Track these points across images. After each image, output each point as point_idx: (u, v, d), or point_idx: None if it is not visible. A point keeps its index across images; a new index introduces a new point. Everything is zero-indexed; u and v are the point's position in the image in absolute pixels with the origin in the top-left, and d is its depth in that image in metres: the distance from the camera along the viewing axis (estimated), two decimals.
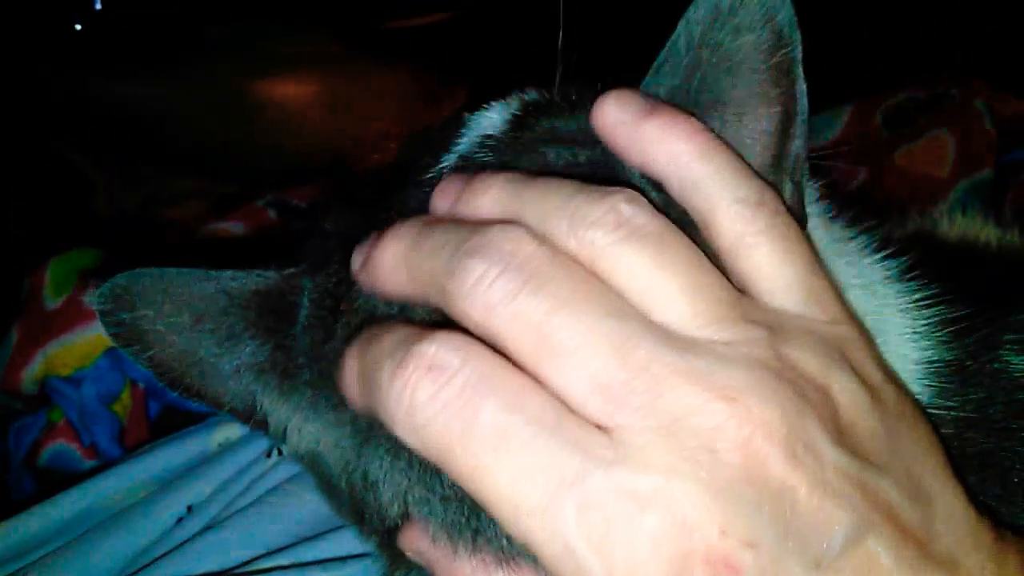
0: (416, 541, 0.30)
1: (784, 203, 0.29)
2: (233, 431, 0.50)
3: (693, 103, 0.31)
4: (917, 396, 0.32)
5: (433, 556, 0.30)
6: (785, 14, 0.30)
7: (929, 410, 0.32)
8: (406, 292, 0.29)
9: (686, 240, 0.27)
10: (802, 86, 0.31)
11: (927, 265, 0.35)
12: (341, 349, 0.30)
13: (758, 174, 0.29)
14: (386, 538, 0.32)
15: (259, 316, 0.35)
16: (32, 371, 0.58)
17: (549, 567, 0.24)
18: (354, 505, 0.34)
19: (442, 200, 0.31)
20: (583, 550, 0.23)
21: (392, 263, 0.29)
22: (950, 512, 0.27)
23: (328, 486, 0.36)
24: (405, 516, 0.31)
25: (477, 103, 0.38)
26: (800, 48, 0.30)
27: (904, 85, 0.85)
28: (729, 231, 0.28)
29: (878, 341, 0.30)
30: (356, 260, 0.31)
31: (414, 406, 0.25)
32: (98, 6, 1.22)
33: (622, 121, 0.30)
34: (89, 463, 0.60)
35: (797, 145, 0.32)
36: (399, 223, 0.29)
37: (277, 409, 0.35)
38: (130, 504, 0.49)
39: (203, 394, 0.36)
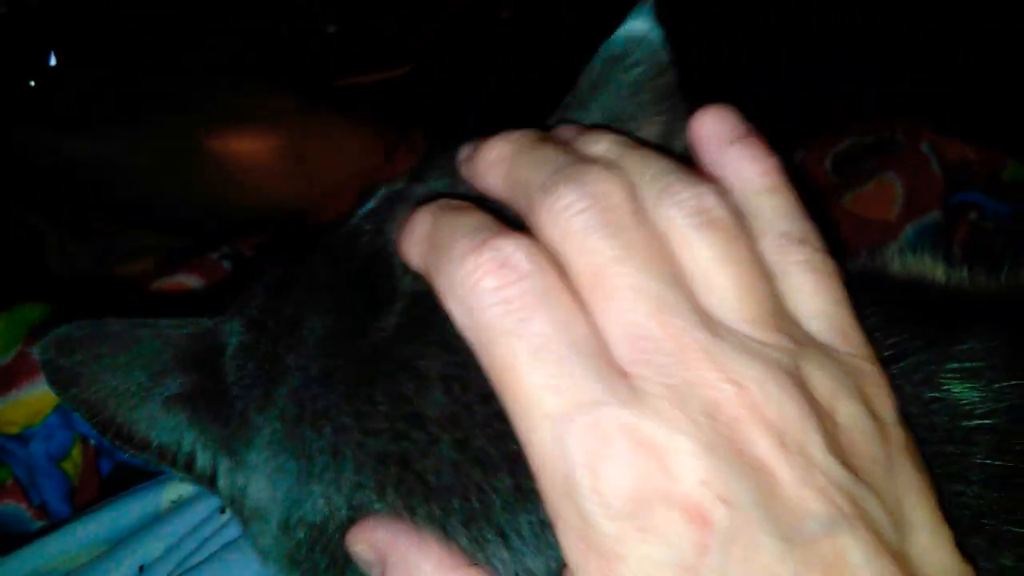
0: (370, 534, 0.31)
1: (803, 217, 0.32)
2: (185, 488, 0.49)
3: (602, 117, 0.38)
4: None
5: (391, 547, 0.30)
6: (663, 53, 0.38)
7: None
8: (498, 190, 0.32)
9: (751, 244, 0.30)
10: (682, 103, 0.38)
11: (867, 297, 0.35)
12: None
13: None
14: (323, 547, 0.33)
15: (190, 351, 0.37)
16: None
17: (538, 469, 0.27)
18: (287, 523, 0.34)
19: (563, 133, 0.35)
20: (577, 463, 0.26)
21: (497, 159, 0.32)
22: (931, 547, 0.28)
23: (255, 516, 0.36)
24: (355, 513, 0.32)
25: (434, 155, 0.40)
26: (675, 75, 0.38)
27: (850, 130, 0.87)
28: (768, 258, 0.31)
29: None
30: (464, 151, 0.35)
31: (478, 290, 0.28)
32: (52, 62, 1.22)
33: (719, 134, 0.33)
34: (39, 524, 0.58)
35: (681, 146, 0.37)
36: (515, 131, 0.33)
37: (204, 437, 0.37)
38: (80, 565, 0.48)
39: (132, 435, 0.37)
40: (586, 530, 0.26)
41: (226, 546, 0.44)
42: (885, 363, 0.31)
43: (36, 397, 0.55)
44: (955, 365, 0.35)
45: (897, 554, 0.26)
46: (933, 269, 0.46)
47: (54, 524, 0.53)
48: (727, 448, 0.26)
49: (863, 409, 0.28)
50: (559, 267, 0.28)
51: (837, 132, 0.87)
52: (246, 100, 1.45)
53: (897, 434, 0.29)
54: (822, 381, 0.28)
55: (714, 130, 0.32)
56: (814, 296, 0.30)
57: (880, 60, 1.24)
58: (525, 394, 0.27)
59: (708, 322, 0.28)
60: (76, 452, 0.57)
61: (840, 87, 1.22)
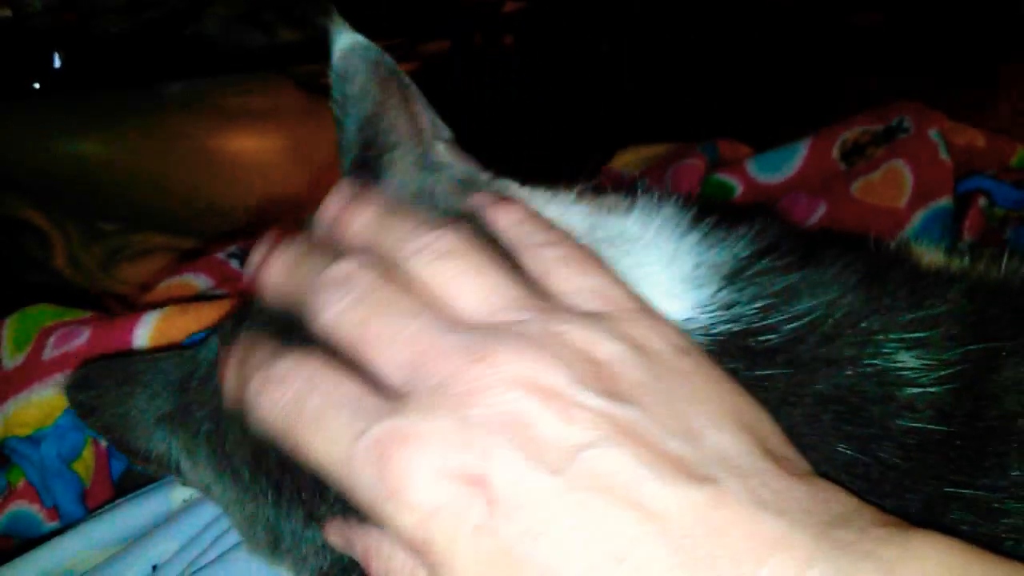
0: (338, 534, 0.36)
1: (553, 230, 0.39)
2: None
3: (357, 125, 0.43)
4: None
5: (358, 541, 0.35)
6: (371, 53, 0.42)
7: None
8: (280, 298, 0.38)
9: (487, 256, 0.36)
10: (405, 79, 0.43)
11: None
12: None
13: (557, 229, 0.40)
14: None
15: (174, 376, 0.44)
16: None
17: (366, 504, 0.31)
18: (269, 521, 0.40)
19: (327, 211, 0.40)
20: (372, 478, 0.30)
21: (273, 276, 0.39)
22: (728, 444, 0.30)
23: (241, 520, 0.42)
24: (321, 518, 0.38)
25: None
26: (390, 61, 0.43)
27: (858, 118, 0.86)
28: (529, 266, 0.37)
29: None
30: (251, 261, 0.41)
31: (262, 404, 0.34)
32: (57, 64, 1.22)
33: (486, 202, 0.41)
34: (51, 525, 0.58)
35: (428, 118, 0.44)
36: (286, 243, 0.39)
37: (183, 453, 0.44)
38: (94, 566, 0.48)
39: (136, 449, 0.45)
40: (395, 528, 0.30)
41: (237, 545, 0.45)
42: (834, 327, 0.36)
43: (47, 399, 0.55)
44: (902, 335, 0.37)
45: (676, 457, 0.29)
46: (933, 256, 0.46)
47: (66, 525, 0.53)
48: (483, 414, 0.30)
49: (624, 346, 0.32)
50: (330, 351, 0.34)
51: (845, 119, 0.87)
52: (250, 100, 1.45)
53: (673, 359, 0.33)
54: (577, 332, 0.32)
55: (482, 200, 0.40)
56: (570, 279, 0.36)
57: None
58: (320, 459, 0.32)
59: (456, 326, 0.33)
60: (87, 453, 0.57)
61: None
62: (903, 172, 0.77)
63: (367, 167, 0.42)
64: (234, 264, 0.76)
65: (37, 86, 1.08)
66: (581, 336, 0.32)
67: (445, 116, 0.46)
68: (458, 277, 0.35)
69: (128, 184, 1.37)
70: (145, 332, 0.55)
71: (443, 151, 0.44)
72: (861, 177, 0.79)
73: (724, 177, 0.88)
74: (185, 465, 0.44)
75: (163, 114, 1.37)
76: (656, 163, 0.95)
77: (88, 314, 0.61)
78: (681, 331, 0.36)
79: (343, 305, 0.34)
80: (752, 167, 0.88)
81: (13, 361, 0.58)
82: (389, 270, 0.35)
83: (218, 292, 0.67)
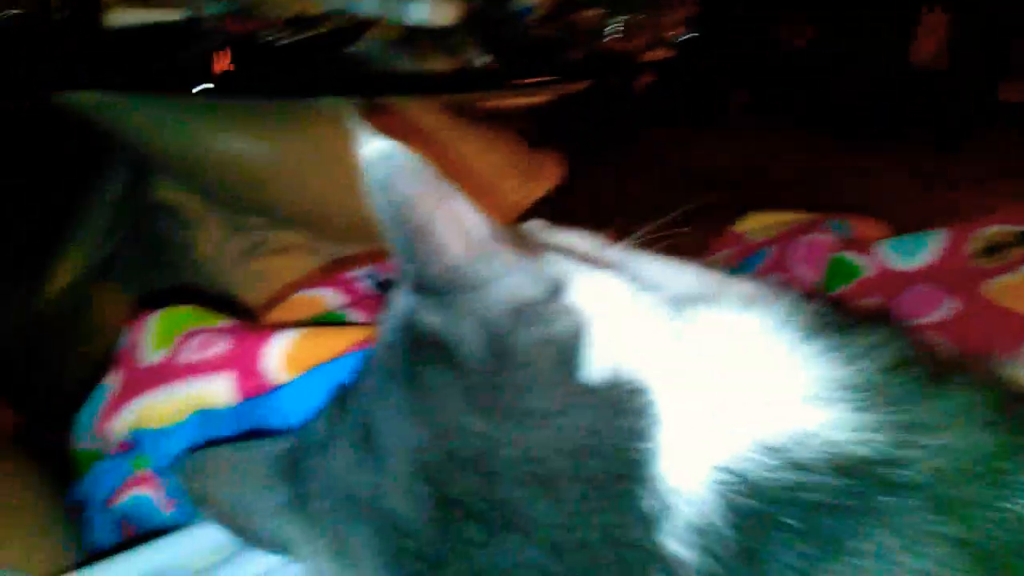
0: None
1: None
2: None
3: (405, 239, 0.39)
4: None
5: None
6: (403, 158, 0.38)
7: None
8: None
9: None
10: (441, 180, 0.39)
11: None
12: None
13: None
14: None
15: (285, 466, 0.45)
16: (124, 421, 0.61)
17: None
18: None
19: None
20: None
21: None
22: None
23: None
24: None
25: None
26: (422, 163, 0.39)
27: (996, 215, 0.84)
28: None
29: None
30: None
31: None
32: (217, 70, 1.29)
33: None
34: (168, 514, 0.62)
35: (473, 218, 0.40)
36: None
37: (301, 545, 0.44)
38: (207, 565, 0.51)
39: (254, 536, 0.47)
40: None
41: None
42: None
43: (180, 399, 0.59)
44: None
45: None
46: None
47: (181, 523, 0.58)
48: None
49: None
50: None
51: (982, 216, 0.85)
52: (394, 119, 1.51)
53: None
54: None
55: None
56: None
57: None
58: None
59: None
60: None
61: None
62: None
63: (432, 287, 0.40)
64: (365, 285, 0.80)
65: (205, 87, 1.15)
66: None
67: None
68: None
69: (273, 184, 1.44)
70: (275, 353, 0.59)
71: (501, 250, 0.41)
72: (996, 278, 0.77)
73: (853, 257, 0.87)
74: (303, 552, 0.45)
75: (314, 124, 1.43)
76: (782, 232, 0.94)
77: (227, 321, 0.65)
78: None
79: None
80: (885, 249, 0.86)
81: (154, 357, 0.63)
82: None
83: (343, 315, 0.70)
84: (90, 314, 1.59)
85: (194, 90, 1.15)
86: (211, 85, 1.14)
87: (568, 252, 0.60)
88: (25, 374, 1.70)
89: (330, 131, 1.44)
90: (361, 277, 0.80)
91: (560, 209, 2.44)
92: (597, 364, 0.38)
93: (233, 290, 1.56)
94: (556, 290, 0.41)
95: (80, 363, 1.60)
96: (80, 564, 0.53)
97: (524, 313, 0.39)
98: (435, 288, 0.40)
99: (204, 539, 0.53)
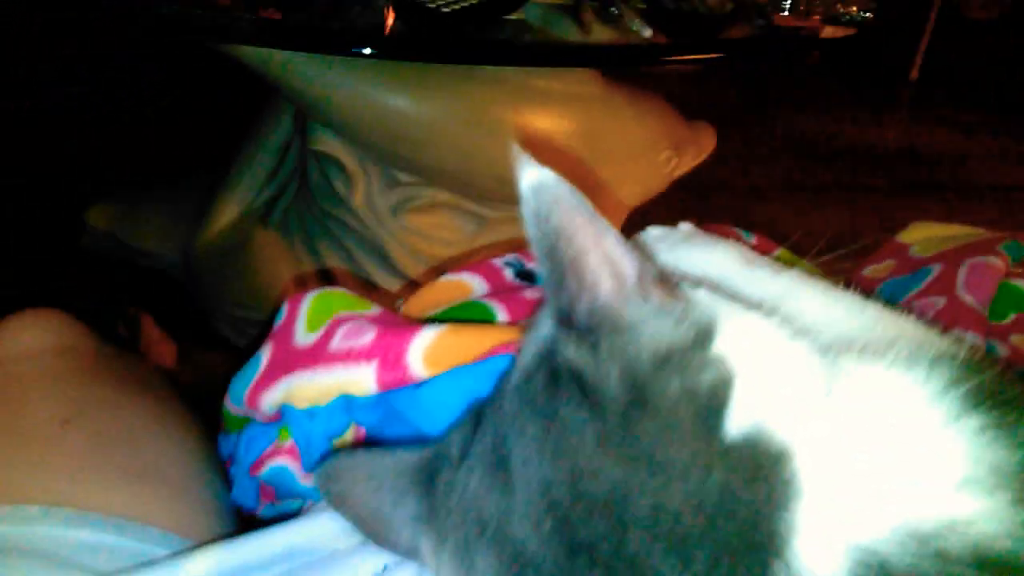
0: None
1: None
2: None
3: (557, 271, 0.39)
4: None
5: None
6: (562, 189, 0.38)
7: None
8: None
9: None
10: (597, 216, 0.39)
11: None
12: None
13: None
14: None
15: (420, 477, 0.47)
16: (273, 396, 0.64)
17: None
18: None
19: None
20: None
21: None
22: None
23: None
24: None
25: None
26: (580, 198, 0.38)
27: None
28: None
29: None
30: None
31: None
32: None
33: None
34: (305, 486, 0.66)
35: (627, 258, 0.40)
36: None
37: (430, 555, 0.46)
38: (336, 550, 0.54)
39: (388, 543, 0.49)
40: None
41: None
42: None
43: (326, 383, 0.62)
44: None
45: None
46: None
47: (314, 508, 0.61)
48: None
49: None
50: None
51: None
52: (553, 83, 1.50)
53: None
54: None
55: None
56: None
57: None
58: None
59: None
60: (348, 435, 0.64)
61: None
62: None
63: (578, 324, 0.40)
64: (508, 273, 0.81)
65: (368, 51, 1.17)
66: None
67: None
68: None
69: (429, 142, 1.47)
70: (417, 348, 0.60)
71: (650, 293, 0.41)
72: None
73: None
74: (432, 562, 0.46)
75: (472, 84, 1.45)
76: (949, 250, 0.89)
77: (375, 309, 0.67)
78: None
79: None
80: None
81: (307, 339, 0.66)
82: None
83: (486, 305, 0.71)
84: (250, 255, 1.67)
85: (361, 51, 1.17)
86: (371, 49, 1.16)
87: (717, 281, 0.59)
88: (186, 305, 1.81)
89: (487, 95, 1.46)
90: (504, 266, 0.81)
91: (708, 184, 2.40)
92: (740, 420, 0.37)
93: (383, 242, 1.61)
94: (703, 337, 0.40)
95: (236, 301, 1.70)
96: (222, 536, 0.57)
97: (669, 361, 0.38)
98: (581, 325, 0.39)
99: (333, 522, 0.56)
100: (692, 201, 2.36)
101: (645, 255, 0.45)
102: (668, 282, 0.43)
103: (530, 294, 0.74)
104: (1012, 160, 3.15)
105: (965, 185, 2.99)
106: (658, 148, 1.68)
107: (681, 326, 0.40)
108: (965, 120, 3.47)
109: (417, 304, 0.76)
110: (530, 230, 0.38)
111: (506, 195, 1.57)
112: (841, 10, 1.33)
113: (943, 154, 3.17)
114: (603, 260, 0.39)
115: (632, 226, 1.79)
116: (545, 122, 1.53)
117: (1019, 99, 3.49)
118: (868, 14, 1.33)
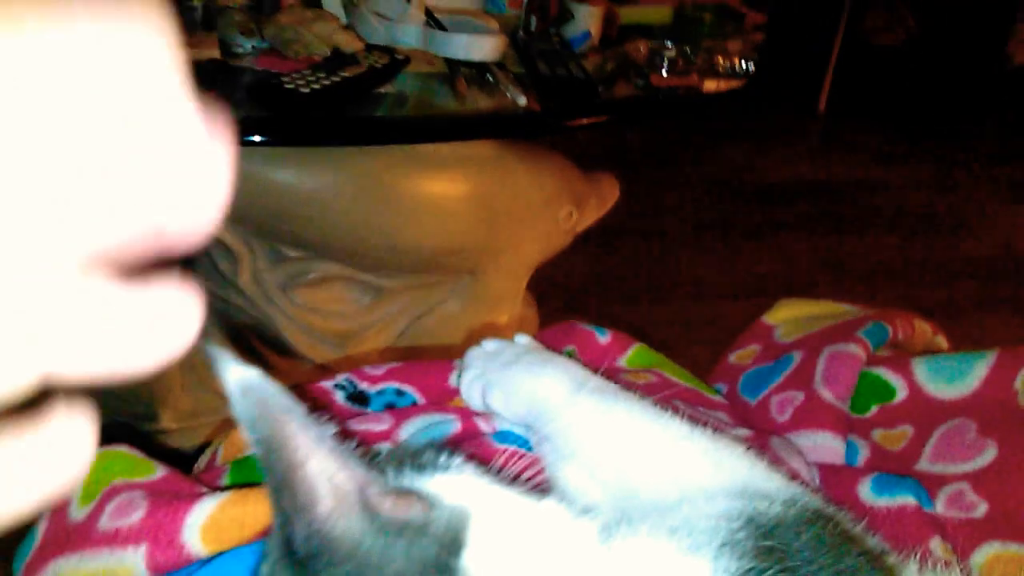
0: None
1: None
2: None
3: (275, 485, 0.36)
4: None
5: None
6: (268, 392, 0.34)
7: None
8: None
9: None
10: (312, 423, 0.36)
11: None
12: None
13: None
14: None
15: None
16: None
17: None
18: None
19: None
20: None
21: None
22: None
23: None
24: None
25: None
26: (290, 401, 0.35)
27: None
28: None
29: None
30: None
31: None
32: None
33: None
34: None
35: (346, 466, 0.37)
36: None
37: None
38: None
39: None
40: None
41: None
42: None
43: (93, 569, 0.55)
44: None
45: None
46: None
47: None
48: None
49: None
50: None
51: None
52: (441, 147, 1.46)
53: None
54: None
55: None
56: None
57: None
58: None
59: None
60: None
61: None
62: None
63: (294, 546, 0.36)
64: (339, 396, 0.75)
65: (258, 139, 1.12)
66: None
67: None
68: None
69: (315, 214, 1.42)
70: (196, 523, 0.55)
71: (382, 507, 0.37)
72: None
73: (887, 375, 0.77)
74: None
75: (359, 154, 1.40)
76: (812, 334, 0.85)
77: (160, 473, 0.61)
78: None
79: None
80: (921, 371, 0.76)
81: (79, 514, 0.59)
82: None
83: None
84: None
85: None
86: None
87: (540, 413, 0.56)
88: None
89: (375, 163, 1.41)
90: (334, 389, 0.75)
91: (619, 231, 2.37)
92: None
93: (276, 321, 1.55)
94: (450, 548, 0.37)
95: (133, 412, 1.61)
96: None
97: None
98: (299, 553, 0.36)
99: None
100: (600, 251, 2.32)
101: (371, 466, 0.39)
102: (400, 490, 0.39)
103: (359, 423, 0.68)
104: (926, 187, 3.16)
105: (878, 214, 3.01)
106: (557, 204, 1.64)
107: (419, 544, 0.36)
108: (876, 148, 3.49)
109: (233, 446, 0.70)
110: (245, 434, 0.34)
111: (402, 264, 1.52)
112: (721, 63, 1.30)
113: (855, 184, 3.17)
114: (319, 473, 0.35)
115: (536, 281, 1.74)
116: (437, 187, 1.48)
117: (928, 124, 3.52)
118: (750, 65, 1.30)
